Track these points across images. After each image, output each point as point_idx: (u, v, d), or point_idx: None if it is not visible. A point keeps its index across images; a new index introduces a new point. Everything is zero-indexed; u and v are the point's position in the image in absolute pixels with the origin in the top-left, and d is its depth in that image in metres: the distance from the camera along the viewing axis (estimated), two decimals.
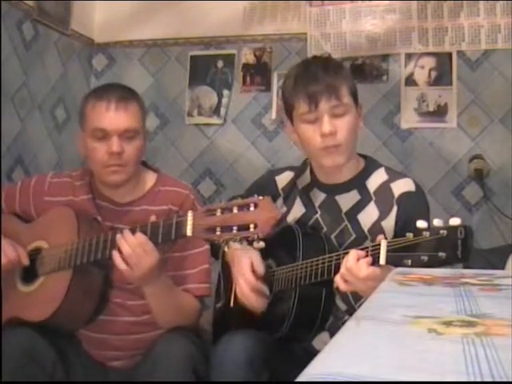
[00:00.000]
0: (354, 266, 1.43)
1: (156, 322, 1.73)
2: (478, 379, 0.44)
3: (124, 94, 1.75)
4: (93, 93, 1.81)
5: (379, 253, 1.42)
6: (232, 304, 1.74)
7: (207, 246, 1.78)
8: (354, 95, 1.67)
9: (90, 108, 1.73)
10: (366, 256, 1.44)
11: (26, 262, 1.73)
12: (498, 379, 0.43)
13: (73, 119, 2.88)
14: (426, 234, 1.33)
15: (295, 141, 1.74)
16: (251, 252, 1.66)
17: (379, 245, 1.43)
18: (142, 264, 1.54)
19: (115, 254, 1.56)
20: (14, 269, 1.74)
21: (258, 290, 1.64)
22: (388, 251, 1.41)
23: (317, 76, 1.63)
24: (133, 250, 1.54)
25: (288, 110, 1.70)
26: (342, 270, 1.46)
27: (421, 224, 1.35)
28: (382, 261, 1.41)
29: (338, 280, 1.47)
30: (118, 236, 1.56)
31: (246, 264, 1.65)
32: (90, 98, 1.76)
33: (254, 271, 1.65)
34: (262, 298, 1.65)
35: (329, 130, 1.60)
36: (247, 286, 1.64)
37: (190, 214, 1.47)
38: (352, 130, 1.64)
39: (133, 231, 1.56)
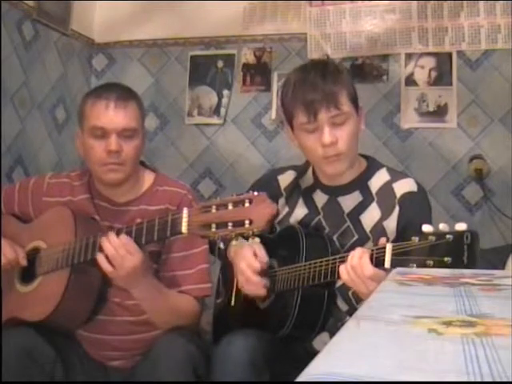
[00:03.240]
0: (358, 264, 1.43)
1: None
2: (478, 379, 0.44)
3: (123, 93, 1.76)
4: (92, 92, 1.82)
5: (384, 256, 1.41)
6: (233, 302, 1.74)
7: (205, 246, 1.78)
8: (354, 100, 1.65)
9: (89, 106, 1.74)
10: (371, 255, 1.44)
11: (24, 262, 1.74)
12: (497, 379, 0.43)
13: (73, 119, 2.88)
14: (432, 238, 1.32)
15: (296, 146, 1.73)
16: (255, 244, 1.66)
17: (384, 248, 1.42)
18: (126, 264, 1.55)
19: (99, 255, 1.57)
20: (12, 269, 1.75)
21: (261, 273, 1.62)
22: (393, 255, 1.40)
23: (315, 84, 1.59)
24: (116, 251, 1.55)
25: (287, 117, 1.69)
26: (347, 265, 1.45)
27: (426, 228, 1.34)
28: (387, 264, 1.40)
29: (342, 271, 1.46)
30: (103, 238, 1.57)
31: (249, 251, 1.64)
32: (89, 97, 1.77)
33: (256, 257, 1.63)
34: (263, 282, 1.63)
35: (329, 140, 1.58)
36: (250, 269, 1.62)
37: (185, 211, 1.47)
38: (353, 136, 1.63)
39: (127, 230, 1.57)
